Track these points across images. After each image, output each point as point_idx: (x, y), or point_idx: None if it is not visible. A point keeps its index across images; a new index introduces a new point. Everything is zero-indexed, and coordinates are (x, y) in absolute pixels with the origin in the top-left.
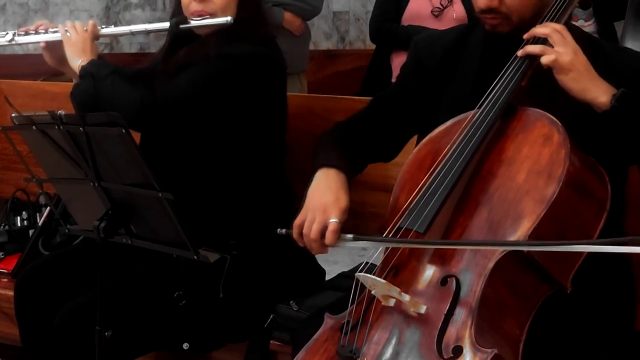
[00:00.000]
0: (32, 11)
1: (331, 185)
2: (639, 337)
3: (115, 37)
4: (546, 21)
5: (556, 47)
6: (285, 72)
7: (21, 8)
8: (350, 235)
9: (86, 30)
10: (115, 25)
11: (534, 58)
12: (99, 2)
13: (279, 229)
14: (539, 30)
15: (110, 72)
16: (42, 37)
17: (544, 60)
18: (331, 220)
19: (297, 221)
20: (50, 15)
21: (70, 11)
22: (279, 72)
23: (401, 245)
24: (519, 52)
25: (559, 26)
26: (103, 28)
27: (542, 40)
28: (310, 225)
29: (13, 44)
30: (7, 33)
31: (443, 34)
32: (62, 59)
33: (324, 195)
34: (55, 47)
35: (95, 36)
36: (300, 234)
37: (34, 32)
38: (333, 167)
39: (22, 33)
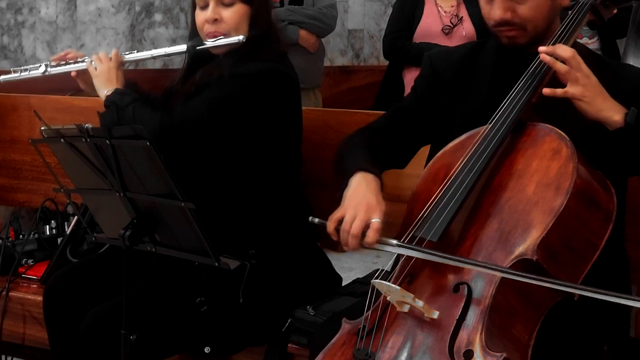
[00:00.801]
0: (61, 29)
1: (372, 188)
2: (635, 343)
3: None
4: (557, 39)
5: (570, 75)
6: (298, 85)
7: (50, 26)
8: (394, 241)
9: (110, 59)
10: (140, 43)
11: (544, 76)
12: (124, 21)
13: (311, 217)
14: (561, 52)
15: (132, 99)
16: (72, 67)
17: (561, 93)
18: (374, 220)
19: (336, 215)
20: (77, 32)
21: (97, 29)
22: (291, 87)
23: (437, 260)
24: (545, 91)
25: (572, 50)
26: (126, 55)
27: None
28: (351, 221)
29: (46, 75)
30: (41, 65)
31: (456, 50)
32: (92, 86)
33: (367, 196)
34: (86, 74)
35: (120, 64)
36: (337, 228)
37: (64, 62)
38: (370, 172)
39: (54, 64)
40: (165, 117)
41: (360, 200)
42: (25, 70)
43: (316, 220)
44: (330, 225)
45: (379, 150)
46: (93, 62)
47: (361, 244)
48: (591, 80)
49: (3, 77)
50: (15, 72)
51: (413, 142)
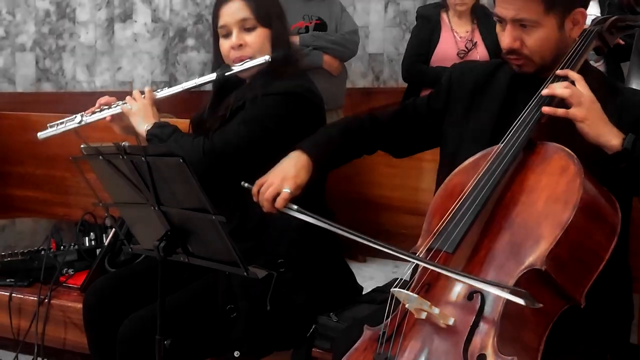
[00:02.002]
0: (99, 53)
1: (297, 165)
2: (635, 350)
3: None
4: (565, 64)
5: (575, 98)
6: (322, 101)
7: (89, 50)
8: (295, 206)
9: (144, 97)
10: (173, 66)
11: (553, 99)
12: (159, 45)
13: (242, 182)
14: (560, 72)
15: (173, 130)
16: (106, 113)
17: (562, 113)
18: (284, 190)
19: (260, 180)
20: (115, 56)
21: (133, 53)
22: (318, 100)
23: (349, 236)
24: (545, 110)
25: (578, 76)
26: (158, 93)
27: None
28: (267, 187)
29: (82, 125)
30: (76, 116)
31: (477, 66)
32: (127, 128)
33: (288, 169)
34: (120, 119)
35: (153, 101)
36: (258, 192)
37: (98, 110)
38: (307, 153)
39: (89, 114)
40: (208, 143)
41: (280, 171)
42: (62, 123)
43: (246, 184)
44: (254, 189)
45: (365, 134)
46: (127, 103)
47: (273, 207)
48: (594, 105)
49: (41, 133)
50: (51, 126)
51: (406, 140)
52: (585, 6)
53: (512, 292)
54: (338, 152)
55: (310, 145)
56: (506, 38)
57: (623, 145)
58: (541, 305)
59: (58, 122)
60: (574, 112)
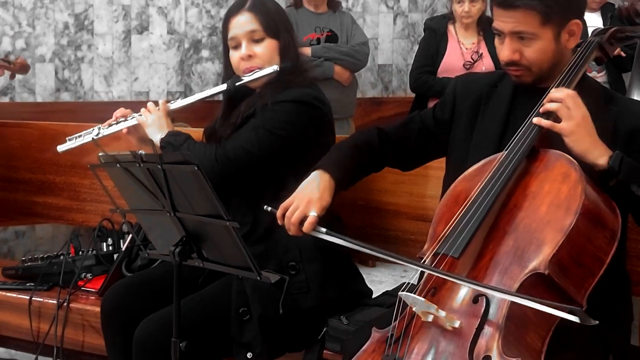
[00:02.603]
0: (116, 64)
1: (320, 186)
2: (636, 351)
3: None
4: (567, 73)
5: (565, 112)
6: (331, 109)
7: (107, 61)
8: (324, 229)
9: (158, 108)
10: (188, 76)
11: (552, 112)
12: (174, 56)
13: (266, 206)
14: (554, 95)
15: (186, 138)
16: (122, 125)
17: (547, 125)
18: (311, 213)
19: (284, 204)
20: (132, 67)
21: (150, 64)
22: (326, 109)
23: (369, 252)
24: (534, 120)
25: (572, 92)
26: (172, 104)
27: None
28: (293, 211)
29: (99, 137)
30: (94, 129)
31: (481, 78)
32: (143, 139)
33: (312, 192)
34: (135, 130)
35: (167, 112)
36: (283, 215)
37: (115, 122)
38: (328, 173)
39: (106, 126)
40: (219, 150)
41: (305, 194)
42: (80, 136)
43: (269, 208)
44: (279, 212)
45: (374, 151)
46: (142, 115)
47: (300, 231)
48: (584, 122)
49: (60, 147)
50: (70, 140)
51: (413, 151)
52: (580, 17)
53: (569, 311)
54: (353, 171)
55: (330, 164)
56: (505, 50)
57: (609, 163)
58: (597, 322)
59: (76, 135)
60: (561, 125)
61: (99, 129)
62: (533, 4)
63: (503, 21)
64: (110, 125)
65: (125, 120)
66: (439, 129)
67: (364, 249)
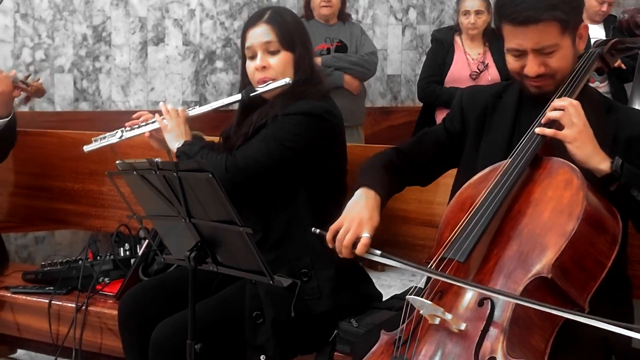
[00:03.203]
0: (133, 74)
1: (368, 204)
2: (638, 353)
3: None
4: (570, 82)
5: (567, 120)
6: (342, 121)
7: (124, 72)
8: (378, 251)
9: (178, 114)
10: (203, 86)
11: (555, 121)
12: (189, 67)
13: (313, 228)
14: (558, 104)
15: (200, 148)
16: (145, 129)
17: (551, 133)
18: (364, 235)
19: (334, 227)
20: (148, 77)
21: (166, 75)
22: (337, 122)
23: (423, 273)
24: (537, 130)
25: (575, 102)
26: (190, 111)
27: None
28: (345, 234)
29: (123, 139)
30: (117, 132)
31: (485, 89)
32: (164, 142)
33: (362, 212)
34: (157, 134)
35: (186, 119)
36: (333, 238)
37: (137, 125)
38: (373, 189)
39: (129, 128)
40: (230, 160)
41: (355, 215)
42: (104, 138)
43: (318, 231)
44: (329, 235)
45: (396, 169)
46: (164, 119)
47: (353, 253)
48: (585, 129)
49: (86, 147)
50: (95, 141)
51: (431, 165)
52: (583, 21)
53: (626, 327)
54: (390, 188)
55: (371, 181)
56: (533, 66)
57: (611, 169)
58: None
59: (101, 136)
60: (565, 133)
61: (122, 131)
62: (554, 14)
63: (523, 40)
64: (132, 128)
65: (147, 123)
66: (452, 141)
67: (420, 270)
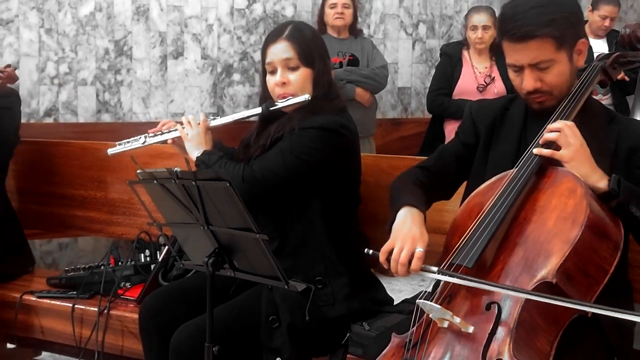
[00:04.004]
0: (154, 87)
1: (416, 221)
2: (638, 354)
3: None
4: (573, 95)
5: (563, 140)
6: (357, 136)
7: (144, 85)
8: (435, 268)
9: (199, 124)
10: (221, 99)
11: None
12: (208, 80)
13: (366, 250)
14: (553, 126)
15: (218, 157)
16: (167, 136)
17: (548, 154)
18: (418, 250)
19: (386, 247)
20: (168, 90)
21: (185, 87)
22: (351, 136)
23: (474, 285)
24: (535, 151)
25: (570, 123)
26: (212, 121)
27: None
28: (399, 252)
29: (146, 145)
30: (141, 137)
31: (493, 102)
32: (185, 148)
33: (412, 229)
34: (179, 141)
35: (206, 128)
36: (387, 258)
37: (160, 132)
38: (416, 207)
39: (152, 135)
40: (247, 171)
41: (406, 233)
42: (128, 142)
43: (371, 252)
44: (382, 256)
45: (425, 186)
46: (185, 128)
47: (408, 271)
48: (582, 149)
49: (110, 150)
50: (119, 144)
51: (455, 178)
52: (585, 36)
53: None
54: (427, 205)
55: (411, 199)
56: (529, 81)
57: (609, 186)
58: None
59: (125, 140)
60: (561, 153)
61: (146, 137)
62: (548, 31)
63: (520, 56)
64: (155, 134)
65: (169, 131)
66: (470, 153)
67: (475, 283)
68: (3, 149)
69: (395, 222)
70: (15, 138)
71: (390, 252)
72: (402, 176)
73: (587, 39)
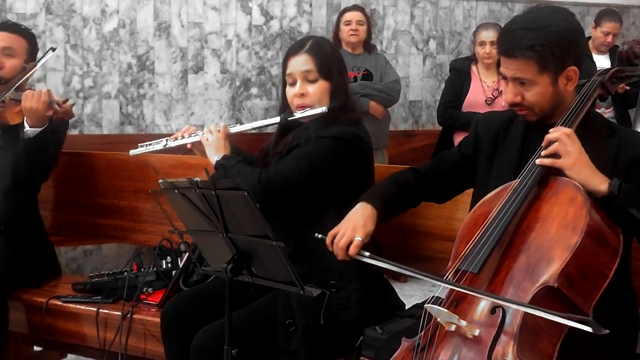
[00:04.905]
0: (175, 100)
1: (364, 214)
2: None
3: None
4: (573, 109)
5: (562, 149)
6: (371, 146)
7: (166, 98)
8: (367, 253)
9: (219, 130)
10: (239, 111)
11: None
12: (227, 93)
13: (316, 234)
14: (551, 136)
15: (237, 162)
16: (187, 140)
17: (549, 163)
18: (356, 238)
19: (332, 232)
20: (188, 103)
21: (204, 100)
22: (365, 147)
23: (407, 273)
24: (537, 161)
25: (568, 131)
26: (232, 128)
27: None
28: (340, 237)
29: (167, 148)
30: (162, 140)
31: (498, 115)
32: (204, 153)
33: (357, 220)
34: (199, 144)
35: (226, 135)
36: (332, 242)
37: (181, 137)
38: (370, 203)
39: (173, 139)
40: (263, 174)
41: (351, 222)
42: (150, 144)
43: (319, 236)
44: (328, 239)
45: (411, 187)
46: (205, 134)
47: (346, 255)
48: (581, 156)
49: (132, 151)
50: (141, 146)
51: (447, 185)
52: (578, 64)
53: (579, 321)
54: (393, 204)
55: (373, 197)
56: (509, 93)
57: (609, 189)
58: (607, 331)
59: (147, 143)
60: (561, 162)
61: (167, 140)
62: (530, 55)
63: (506, 67)
64: (176, 139)
65: (190, 136)
66: (466, 163)
67: (400, 269)
68: (44, 168)
69: (350, 212)
70: (55, 161)
71: (335, 238)
72: (391, 174)
73: (579, 67)
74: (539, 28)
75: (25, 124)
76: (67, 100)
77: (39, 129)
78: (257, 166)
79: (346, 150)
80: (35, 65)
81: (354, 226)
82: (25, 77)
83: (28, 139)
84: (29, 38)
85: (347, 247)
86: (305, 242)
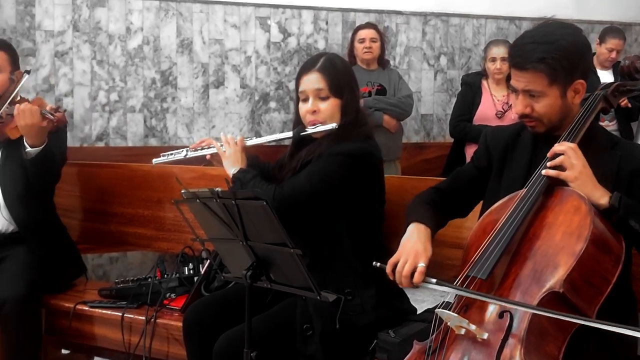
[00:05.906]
0: (197, 114)
1: (421, 237)
2: None
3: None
4: (577, 122)
5: (567, 162)
6: (382, 160)
7: (188, 111)
8: (434, 280)
9: (236, 143)
10: (258, 125)
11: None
12: (246, 107)
13: (374, 262)
14: (557, 149)
15: (253, 176)
16: (206, 151)
17: (554, 174)
18: (420, 265)
19: (392, 260)
20: (210, 116)
21: (225, 114)
22: (376, 162)
23: (469, 296)
24: (543, 172)
25: (573, 145)
26: (248, 141)
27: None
28: (403, 265)
29: (187, 158)
30: (183, 150)
31: (507, 128)
32: (222, 163)
33: (416, 244)
34: (217, 157)
35: (243, 147)
36: (393, 270)
37: (200, 148)
38: (423, 223)
39: (193, 150)
40: (278, 190)
41: (411, 248)
42: (171, 154)
43: (378, 264)
44: (388, 268)
45: (439, 205)
46: (222, 146)
47: (411, 283)
48: (584, 170)
49: (155, 160)
50: (163, 156)
51: (469, 198)
52: (585, 78)
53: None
54: (436, 223)
55: (420, 217)
56: (519, 105)
57: (610, 202)
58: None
59: (169, 152)
60: (566, 174)
61: (187, 151)
62: (540, 67)
63: (517, 80)
64: (196, 149)
65: (209, 147)
66: (483, 176)
67: (467, 294)
68: (54, 176)
69: (404, 236)
70: (62, 160)
71: (396, 265)
72: (417, 196)
73: (586, 80)
74: (549, 42)
75: (25, 143)
76: (58, 107)
77: (40, 148)
78: (274, 179)
79: (357, 166)
80: (22, 75)
81: (416, 252)
82: (17, 89)
83: (32, 159)
84: (7, 48)
85: (411, 275)
86: (320, 253)
